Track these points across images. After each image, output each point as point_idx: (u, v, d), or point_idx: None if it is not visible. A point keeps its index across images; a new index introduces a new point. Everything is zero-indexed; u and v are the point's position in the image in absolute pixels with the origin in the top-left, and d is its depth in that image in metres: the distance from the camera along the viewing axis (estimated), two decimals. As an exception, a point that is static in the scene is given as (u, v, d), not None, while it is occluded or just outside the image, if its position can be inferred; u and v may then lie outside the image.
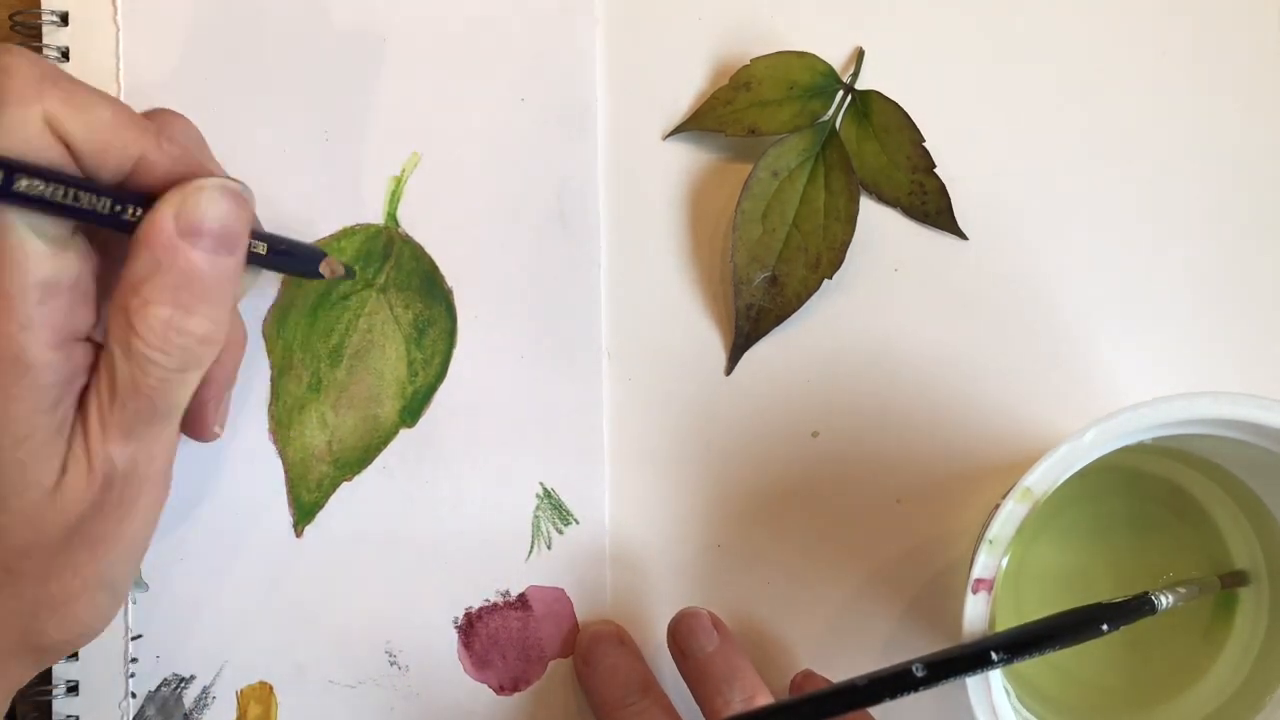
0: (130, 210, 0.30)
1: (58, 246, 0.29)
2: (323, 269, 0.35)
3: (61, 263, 0.29)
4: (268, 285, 0.39)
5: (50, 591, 0.31)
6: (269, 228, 0.36)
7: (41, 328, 0.29)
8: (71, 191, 0.29)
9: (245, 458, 0.39)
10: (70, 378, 0.30)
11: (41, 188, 0.28)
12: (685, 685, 0.37)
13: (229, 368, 0.36)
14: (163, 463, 0.32)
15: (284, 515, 0.39)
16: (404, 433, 0.39)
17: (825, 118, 0.39)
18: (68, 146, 0.29)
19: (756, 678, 0.36)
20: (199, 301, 0.30)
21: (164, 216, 0.30)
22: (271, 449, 0.39)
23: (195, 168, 0.31)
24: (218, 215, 0.30)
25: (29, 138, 0.28)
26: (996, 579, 0.31)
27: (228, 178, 0.31)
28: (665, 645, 0.39)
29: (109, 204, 0.30)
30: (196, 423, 0.35)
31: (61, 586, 0.31)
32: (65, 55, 0.38)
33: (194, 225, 0.30)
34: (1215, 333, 0.40)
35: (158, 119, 0.32)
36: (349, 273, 0.37)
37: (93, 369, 0.31)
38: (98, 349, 0.31)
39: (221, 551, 0.39)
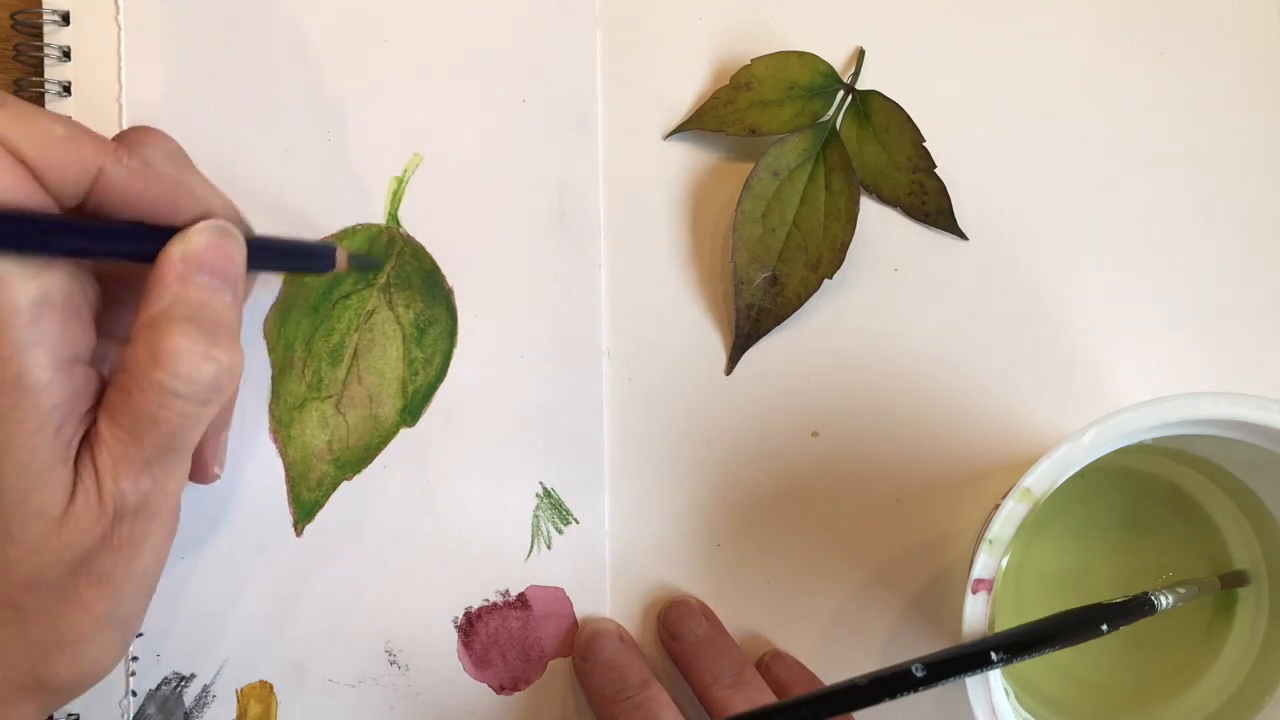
0: (127, 240, 0.31)
1: (40, 266, 0.29)
2: (338, 258, 0.36)
3: (48, 281, 0.29)
4: (269, 285, 0.39)
5: (60, 630, 0.31)
6: (272, 228, 0.37)
7: (38, 348, 0.29)
8: (64, 228, 0.29)
9: (246, 457, 0.39)
10: (72, 401, 0.30)
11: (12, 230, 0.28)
12: (678, 673, 0.38)
13: (227, 409, 0.36)
14: (175, 497, 0.32)
15: (284, 514, 0.39)
16: (404, 432, 0.39)
17: (825, 118, 0.39)
18: (23, 163, 0.29)
19: (744, 656, 0.38)
20: (219, 333, 0.30)
21: (172, 256, 0.31)
22: (272, 448, 0.39)
23: (162, 181, 0.31)
24: (216, 254, 0.31)
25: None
26: (996, 579, 0.31)
27: (217, 219, 0.32)
28: (666, 645, 0.39)
29: (106, 237, 0.31)
30: (196, 465, 0.35)
31: (71, 625, 0.31)
32: (67, 55, 0.38)
33: (198, 264, 0.31)
34: (1215, 333, 0.40)
35: (127, 137, 0.32)
36: (371, 262, 0.38)
37: (97, 396, 0.31)
38: (100, 377, 0.31)
39: (222, 550, 0.39)
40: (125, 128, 0.32)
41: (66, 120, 0.30)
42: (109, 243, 0.31)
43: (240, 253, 0.32)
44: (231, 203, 0.34)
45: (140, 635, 0.38)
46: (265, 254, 0.34)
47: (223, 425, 0.36)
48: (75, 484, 0.30)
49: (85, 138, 0.30)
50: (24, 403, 0.29)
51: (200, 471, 0.36)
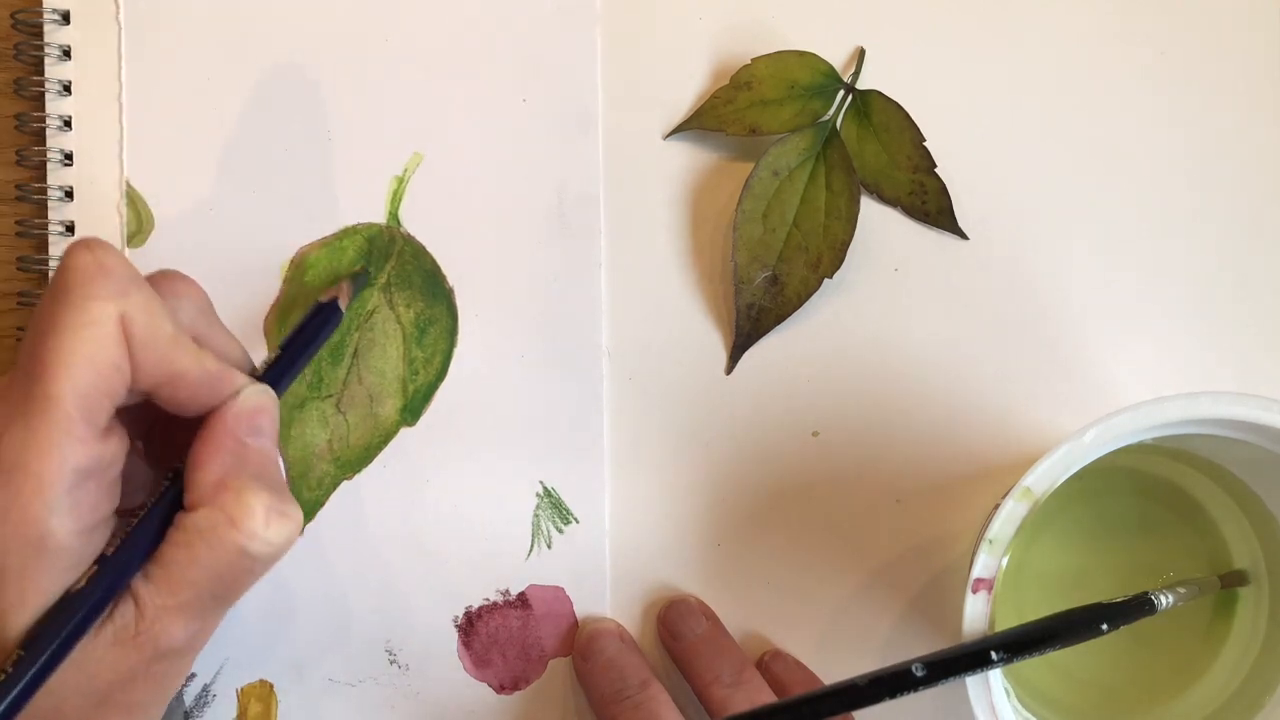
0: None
1: (100, 433, 0.29)
2: (341, 304, 0.35)
3: (101, 449, 0.29)
4: (269, 284, 0.39)
5: None
6: (271, 227, 0.36)
7: (69, 514, 0.29)
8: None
9: (246, 457, 0.39)
10: (87, 559, 0.30)
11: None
12: (677, 671, 0.38)
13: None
14: (211, 636, 0.33)
15: (284, 514, 0.39)
16: (405, 431, 0.39)
17: (826, 117, 0.39)
18: (130, 346, 0.29)
19: (744, 656, 0.38)
20: (282, 490, 0.31)
21: (228, 417, 0.31)
22: (272, 448, 0.39)
23: (222, 384, 0.32)
24: (261, 415, 0.32)
25: (103, 336, 0.28)
26: (996, 579, 0.31)
27: (259, 383, 0.33)
28: (665, 644, 0.39)
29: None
30: None
31: None
32: (67, 54, 0.38)
33: (253, 426, 0.32)
34: (1215, 333, 0.40)
35: (164, 284, 0.32)
36: (364, 276, 0.37)
37: (112, 539, 0.30)
38: (116, 520, 0.31)
39: (222, 550, 0.39)
40: (139, 265, 0.31)
41: (174, 321, 0.30)
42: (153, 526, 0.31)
43: (277, 411, 0.33)
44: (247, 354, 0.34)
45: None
46: (291, 360, 0.34)
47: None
48: (102, 624, 0.30)
49: (186, 343, 0.30)
50: (41, 563, 0.29)
51: None
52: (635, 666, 0.37)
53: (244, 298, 0.39)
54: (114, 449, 0.30)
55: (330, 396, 0.39)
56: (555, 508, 0.39)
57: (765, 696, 0.36)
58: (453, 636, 0.39)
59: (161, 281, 0.32)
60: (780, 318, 0.39)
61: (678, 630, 0.38)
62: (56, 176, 0.39)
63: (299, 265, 0.39)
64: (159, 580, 0.30)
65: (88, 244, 0.29)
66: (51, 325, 0.29)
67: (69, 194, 0.39)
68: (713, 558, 0.40)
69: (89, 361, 0.28)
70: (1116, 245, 0.40)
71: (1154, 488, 0.37)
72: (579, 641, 0.39)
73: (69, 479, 0.28)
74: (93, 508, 0.30)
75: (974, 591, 0.31)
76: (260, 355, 0.40)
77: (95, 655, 0.30)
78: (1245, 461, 0.35)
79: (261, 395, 0.32)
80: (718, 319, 0.40)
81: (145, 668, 0.30)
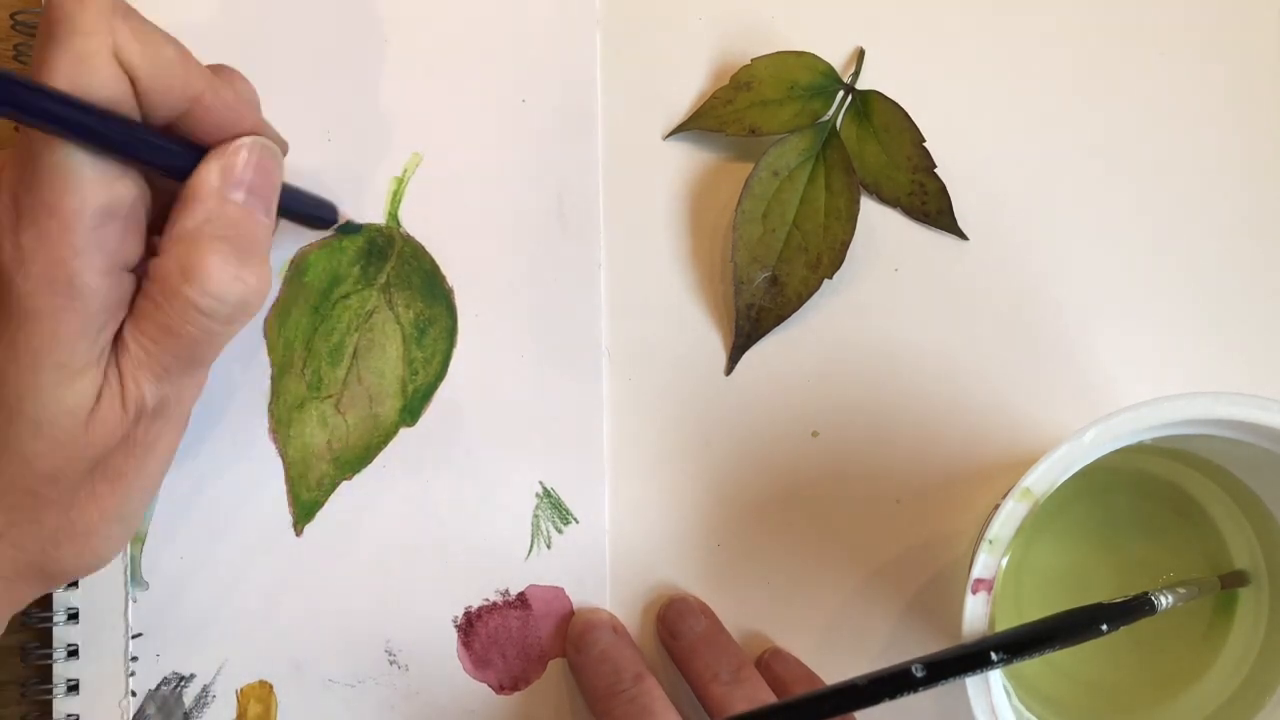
0: (179, 156, 0.31)
1: (114, 174, 0.30)
2: (340, 216, 0.36)
3: (118, 190, 0.30)
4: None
5: (70, 520, 0.32)
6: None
7: (95, 253, 0.29)
8: (126, 132, 0.29)
9: (245, 456, 0.39)
10: (115, 307, 0.31)
11: (97, 124, 0.29)
12: (675, 669, 0.38)
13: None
14: (189, 405, 0.33)
15: (284, 514, 0.39)
16: (404, 432, 0.39)
17: (826, 118, 0.39)
18: (131, 80, 0.29)
19: (743, 654, 0.38)
20: (249, 253, 0.31)
21: (210, 171, 0.31)
22: (271, 448, 0.39)
23: (243, 118, 0.32)
24: (256, 171, 0.32)
25: (97, 68, 0.28)
26: (996, 579, 0.31)
27: (263, 136, 0.32)
28: (665, 642, 0.39)
29: (159, 150, 0.31)
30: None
31: (82, 516, 0.32)
32: (66, 54, 0.38)
33: (236, 181, 0.31)
34: (1215, 333, 0.40)
35: (218, 72, 0.33)
36: (352, 226, 0.38)
37: (132, 302, 0.31)
38: (139, 281, 0.32)
39: (221, 550, 0.39)
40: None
41: (177, 44, 0.30)
42: (181, 158, 0.31)
43: (279, 173, 0.32)
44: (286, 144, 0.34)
45: (139, 635, 0.38)
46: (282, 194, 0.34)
47: None
48: (103, 384, 0.31)
49: (192, 65, 0.30)
50: (72, 305, 0.29)
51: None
52: (629, 660, 0.37)
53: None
54: (132, 187, 0.30)
55: (330, 397, 0.39)
56: (555, 508, 0.39)
57: (764, 694, 0.36)
58: (452, 636, 0.39)
59: (217, 68, 0.32)
60: (780, 318, 0.39)
61: (676, 629, 0.38)
62: (56, 177, 0.39)
63: (298, 265, 0.39)
64: (130, 341, 0.31)
65: None
66: (44, 70, 0.28)
67: (69, 194, 0.39)
68: (713, 558, 0.40)
69: (87, 99, 0.28)
70: (1116, 245, 0.40)
71: (1154, 488, 0.37)
72: (572, 632, 0.39)
73: (91, 219, 0.29)
74: (117, 250, 0.30)
75: (974, 592, 0.31)
76: (259, 354, 0.40)
77: (101, 414, 0.31)
78: (1245, 461, 0.35)
79: (257, 149, 0.32)
80: (718, 319, 0.40)
81: (129, 432, 0.31)
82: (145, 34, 0.29)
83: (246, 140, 0.32)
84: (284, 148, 0.34)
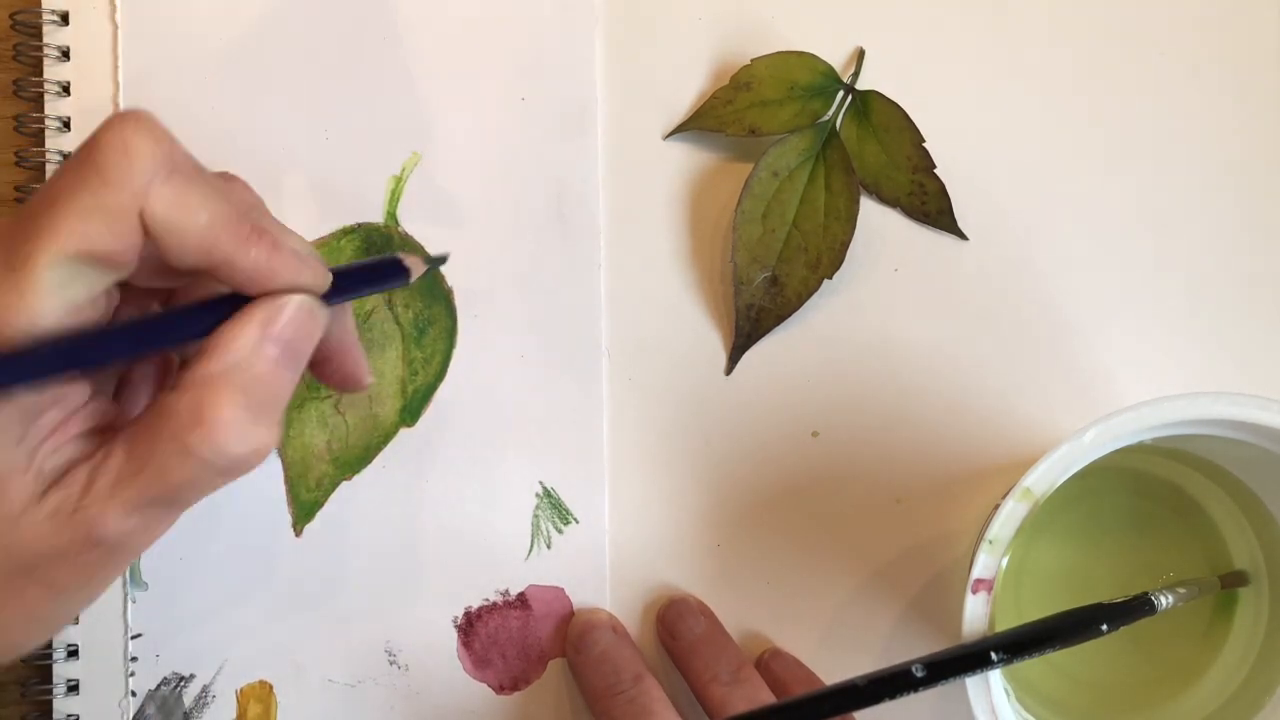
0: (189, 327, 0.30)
1: (79, 305, 0.28)
2: (410, 268, 0.33)
3: (78, 315, 0.28)
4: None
5: None
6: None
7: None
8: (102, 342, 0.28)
9: (245, 457, 0.39)
10: (45, 413, 0.29)
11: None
12: (675, 670, 0.38)
13: (344, 319, 0.33)
14: (152, 542, 0.31)
15: (283, 514, 0.39)
16: (404, 432, 0.39)
17: (825, 118, 0.39)
18: (149, 236, 0.28)
19: (743, 654, 0.38)
20: (265, 412, 0.29)
21: (250, 324, 0.29)
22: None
23: (277, 274, 0.29)
24: (296, 331, 0.30)
25: (117, 231, 0.27)
26: (996, 579, 0.31)
27: (306, 290, 0.30)
28: (664, 643, 0.39)
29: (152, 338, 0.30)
30: (344, 378, 0.33)
31: (5, 614, 0.29)
32: (65, 55, 0.38)
33: (275, 337, 0.29)
34: (1215, 333, 0.40)
35: (224, 180, 0.30)
36: (437, 259, 0.34)
37: (97, 418, 0.30)
38: (106, 405, 0.30)
39: (221, 550, 0.39)
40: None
41: (216, 206, 0.28)
42: (193, 326, 0.30)
43: (318, 335, 0.30)
44: (315, 254, 0.31)
45: (139, 636, 0.38)
46: (343, 286, 0.32)
47: (353, 340, 0.34)
48: (46, 493, 0.28)
49: (224, 231, 0.28)
50: None
51: (353, 382, 0.34)
52: (629, 660, 0.37)
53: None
54: (97, 314, 0.29)
55: (329, 397, 0.39)
56: (555, 508, 0.39)
57: (763, 695, 0.36)
58: (452, 637, 0.39)
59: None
60: (780, 318, 0.39)
61: (676, 629, 0.38)
62: (56, 177, 0.39)
63: (298, 265, 0.39)
64: (115, 460, 0.29)
65: (123, 119, 0.27)
66: (59, 201, 0.27)
67: (68, 194, 0.39)
68: (713, 558, 0.40)
69: (83, 239, 0.27)
70: (1116, 245, 0.40)
71: (1154, 488, 0.37)
72: (572, 632, 0.39)
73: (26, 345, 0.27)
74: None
75: (974, 592, 0.31)
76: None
77: (32, 520, 0.28)
78: (1245, 461, 0.35)
79: (302, 311, 0.30)
80: (718, 319, 0.40)
81: (75, 551, 0.29)
82: (183, 197, 0.27)
83: (295, 299, 0.30)
84: (326, 281, 0.31)
